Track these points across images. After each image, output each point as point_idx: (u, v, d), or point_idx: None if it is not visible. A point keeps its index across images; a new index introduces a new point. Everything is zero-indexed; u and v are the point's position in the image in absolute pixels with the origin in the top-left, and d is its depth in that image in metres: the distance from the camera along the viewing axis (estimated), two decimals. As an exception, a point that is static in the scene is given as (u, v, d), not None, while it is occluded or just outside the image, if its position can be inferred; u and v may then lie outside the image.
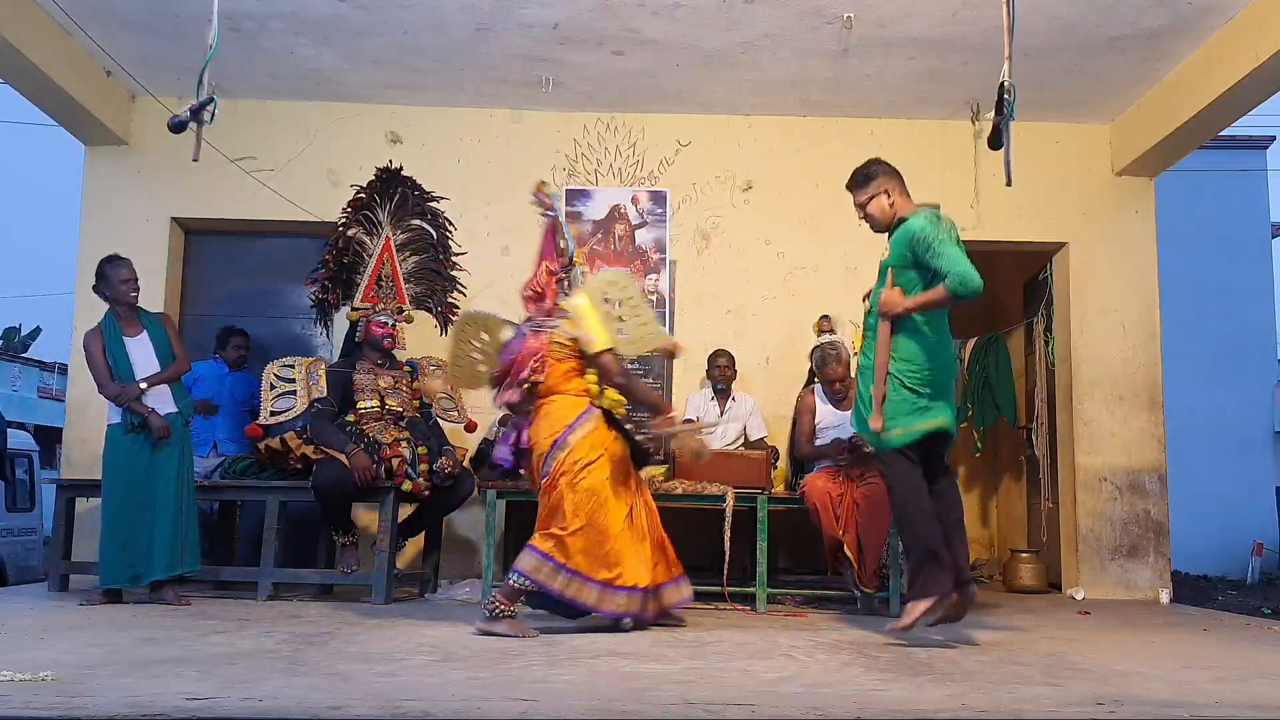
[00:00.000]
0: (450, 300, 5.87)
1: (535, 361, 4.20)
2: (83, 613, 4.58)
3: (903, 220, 4.02)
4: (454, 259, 5.90)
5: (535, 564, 4.00)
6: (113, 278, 4.97)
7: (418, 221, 5.80)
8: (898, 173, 4.15)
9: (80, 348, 6.44)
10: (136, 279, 5.02)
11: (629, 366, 4.69)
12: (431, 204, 5.85)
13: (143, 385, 4.89)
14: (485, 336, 4.63)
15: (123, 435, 4.90)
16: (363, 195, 5.69)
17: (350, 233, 5.63)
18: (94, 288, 5.03)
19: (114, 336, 4.95)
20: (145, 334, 5.00)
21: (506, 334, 4.53)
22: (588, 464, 4.09)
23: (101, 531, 4.91)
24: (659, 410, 4.46)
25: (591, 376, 4.24)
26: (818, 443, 5.43)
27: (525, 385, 4.20)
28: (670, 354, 5.10)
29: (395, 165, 5.81)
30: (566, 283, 4.40)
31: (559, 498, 4.07)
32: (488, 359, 4.58)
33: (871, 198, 4.12)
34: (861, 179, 4.15)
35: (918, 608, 3.85)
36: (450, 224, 5.90)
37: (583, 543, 4.03)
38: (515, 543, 6.17)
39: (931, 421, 3.95)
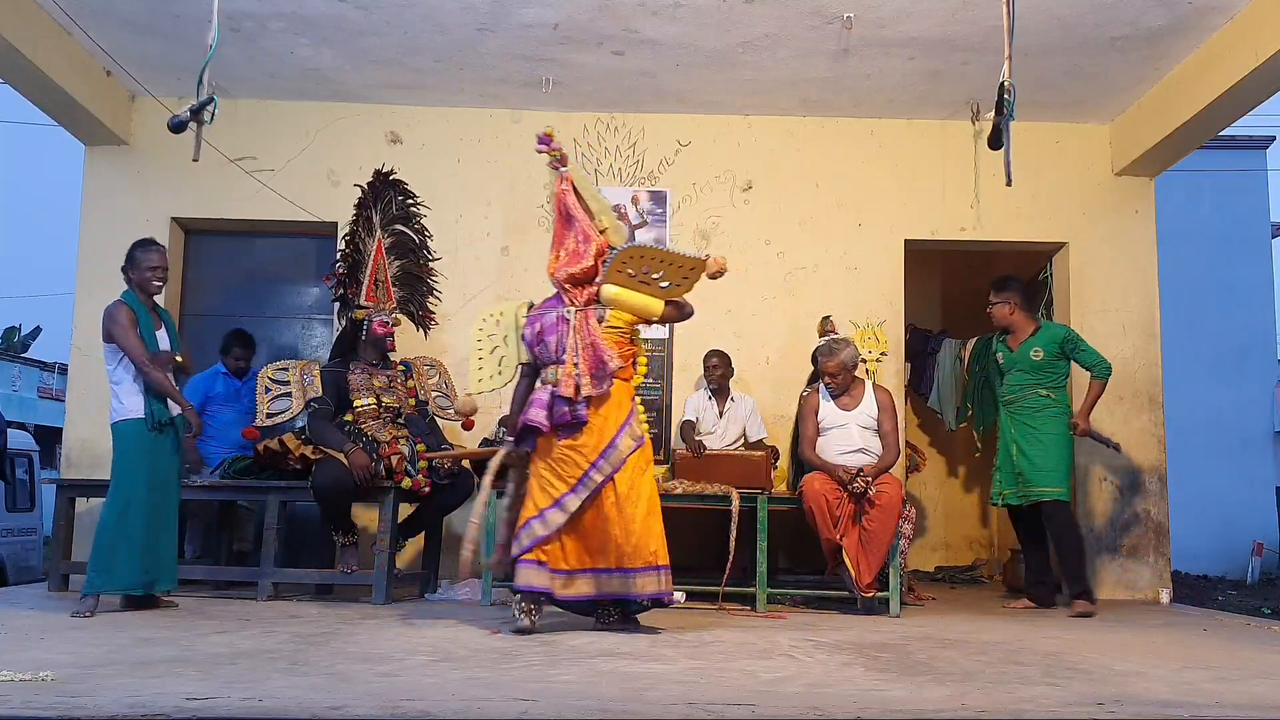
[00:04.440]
0: (428, 305, 5.89)
1: (614, 350, 4.11)
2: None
3: (1038, 328, 5.75)
4: (430, 265, 5.89)
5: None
6: (141, 262, 4.66)
7: (400, 226, 5.82)
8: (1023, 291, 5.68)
9: (79, 346, 6.49)
10: (166, 268, 4.71)
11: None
12: (413, 208, 5.87)
13: (179, 358, 4.64)
14: (498, 319, 4.52)
15: (148, 431, 4.53)
16: (362, 195, 5.71)
17: (357, 230, 5.67)
18: (122, 268, 4.73)
19: (145, 319, 4.61)
20: (164, 329, 4.71)
21: (521, 316, 4.38)
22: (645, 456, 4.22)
23: (113, 533, 4.47)
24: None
25: (642, 366, 4.54)
26: (820, 440, 5.38)
27: (613, 374, 4.10)
28: (714, 274, 4.38)
29: (388, 169, 5.81)
30: (605, 261, 4.15)
31: (647, 495, 4.13)
32: (511, 346, 4.44)
33: (999, 303, 5.78)
34: (1000, 286, 5.84)
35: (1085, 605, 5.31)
36: (426, 231, 5.89)
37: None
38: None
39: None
